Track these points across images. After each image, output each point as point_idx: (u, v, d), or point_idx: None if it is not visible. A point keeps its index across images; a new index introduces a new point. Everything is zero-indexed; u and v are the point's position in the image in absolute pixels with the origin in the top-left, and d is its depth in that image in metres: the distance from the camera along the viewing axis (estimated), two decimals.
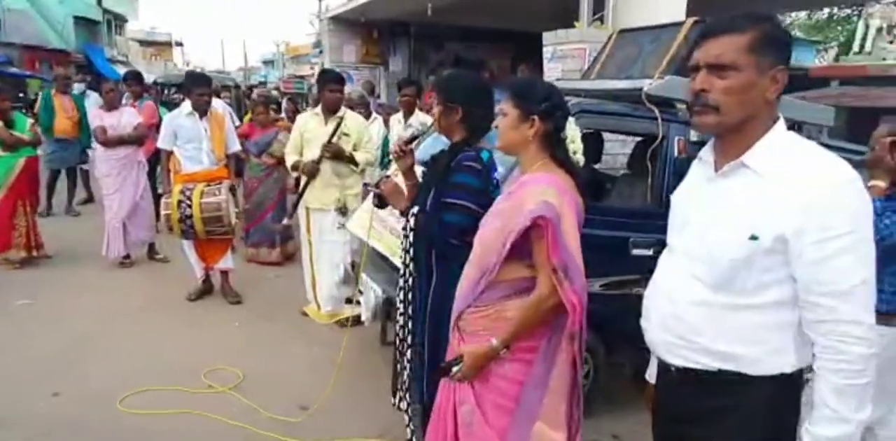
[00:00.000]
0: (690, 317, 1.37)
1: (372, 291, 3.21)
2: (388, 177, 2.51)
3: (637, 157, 3.55)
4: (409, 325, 2.43)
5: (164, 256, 5.54)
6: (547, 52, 5.09)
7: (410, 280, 2.35)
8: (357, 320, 4.19)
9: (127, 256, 5.35)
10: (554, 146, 1.84)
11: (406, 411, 2.62)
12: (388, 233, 3.39)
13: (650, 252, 2.98)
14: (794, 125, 3.58)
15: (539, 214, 1.65)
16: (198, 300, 4.59)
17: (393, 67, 10.84)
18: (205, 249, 4.49)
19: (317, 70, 17.19)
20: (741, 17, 1.32)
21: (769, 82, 1.29)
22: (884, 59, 11.13)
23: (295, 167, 4.24)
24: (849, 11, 15.04)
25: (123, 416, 2.98)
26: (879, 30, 11.49)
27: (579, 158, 1.91)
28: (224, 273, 4.65)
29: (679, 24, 3.56)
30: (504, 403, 1.76)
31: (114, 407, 3.04)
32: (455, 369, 1.79)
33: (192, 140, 4.40)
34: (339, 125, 4.08)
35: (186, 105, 4.53)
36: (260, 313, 4.40)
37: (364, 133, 4.23)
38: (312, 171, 4.15)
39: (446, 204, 2.20)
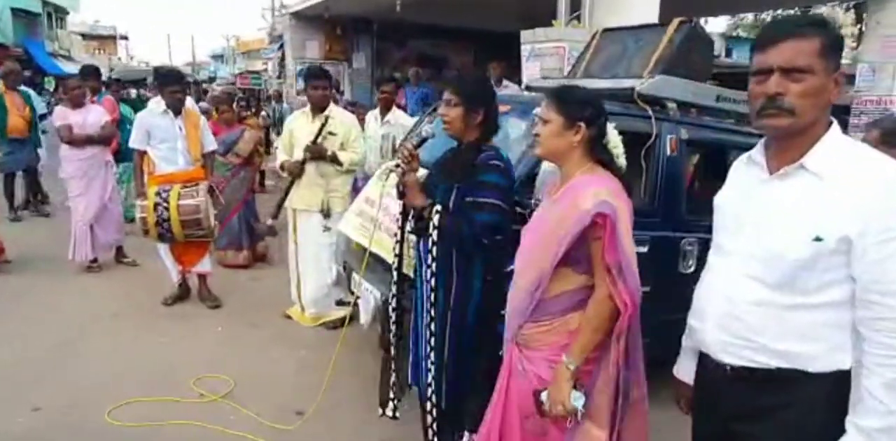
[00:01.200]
0: (750, 316, 1.39)
1: (370, 294, 3.16)
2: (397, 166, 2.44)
3: (628, 155, 3.59)
4: (424, 324, 2.39)
5: (133, 260, 5.33)
6: (525, 50, 5.10)
7: (432, 280, 2.31)
8: (344, 322, 4.16)
9: (94, 260, 5.12)
10: (598, 151, 1.85)
11: (395, 416, 2.63)
12: (383, 233, 3.34)
13: (645, 249, 3.03)
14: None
15: (599, 211, 1.66)
16: (174, 305, 4.43)
17: (356, 64, 10.71)
18: (182, 252, 4.34)
19: (270, 66, 16.82)
20: (804, 22, 1.35)
21: (833, 85, 1.32)
22: None
23: (281, 167, 4.14)
24: (792, 12, 15.68)
25: (113, 430, 2.85)
26: None
27: (622, 163, 1.92)
28: (201, 277, 4.51)
29: (664, 25, 3.61)
30: None
31: (102, 420, 2.90)
32: (543, 400, 1.76)
33: (167, 140, 4.24)
34: (323, 125, 4.00)
35: (158, 103, 4.37)
36: (242, 317, 4.28)
37: (351, 132, 4.12)
38: (296, 172, 4.06)
39: (476, 203, 2.19)
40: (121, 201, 5.65)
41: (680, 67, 3.38)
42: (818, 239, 1.29)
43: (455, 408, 2.37)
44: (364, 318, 3.11)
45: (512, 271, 2.37)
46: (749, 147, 3.56)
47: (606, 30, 4.02)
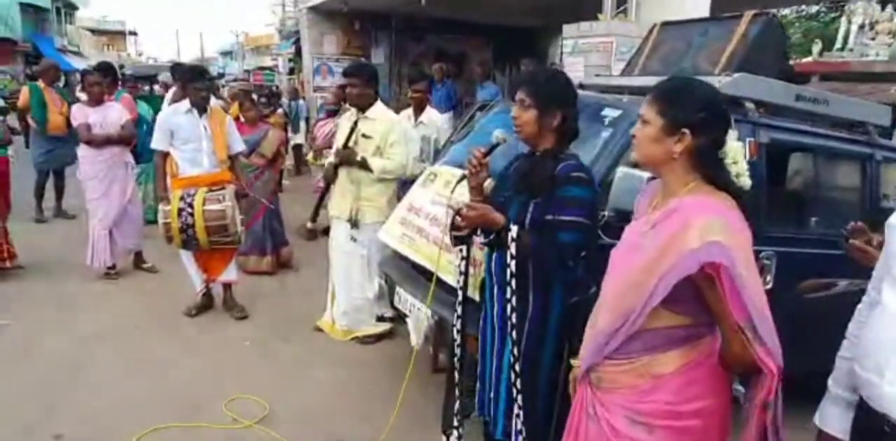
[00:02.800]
0: None
1: (422, 312, 2.88)
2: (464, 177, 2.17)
3: None
4: (497, 349, 2.15)
5: (153, 266, 5.08)
6: (567, 45, 4.82)
7: (513, 301, 2.04)
8: (379, 338, 3.90)
9: (112, 267, 4.86)
10: (710, 166, 1.50)
11: None
12: (424, 240, 3.07)
13: None
14: (851, 125, 3.41)
15: (710, 260, 1.33)
16: (198, 316, 4.17)
17: (375, 60, 10.41)
18: (206, 260, 4.08)
19: (280, 61, 16.52)
20: None
21: None
22: (864, 55, 11.29)
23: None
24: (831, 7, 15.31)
25: None
26: (861, 26, 11.64)
27: (744, 182, 1.59)
28: (227, 286, 4.25)
29: (736, 18, 3.32)
30: None
31: None
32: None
33: (191, 140, 3.97)
34: (354, 127, 3.72)
35: (181, 101, 4.11)
36: (270, 330, 4.02)
37: (389, 135, 3.75)
38: (328, 176, 3.81)
39: (560, 221, 1.92)
40: (140, 204, 5.38)
41: (755, 64, 3.10)
42: None
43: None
44: (415, 338, 2.84)
45: (595, 293, 2.12)
46: (834, 152, 3.20)
47: (666, 23, 3.73)
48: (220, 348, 3.73)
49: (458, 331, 2.32)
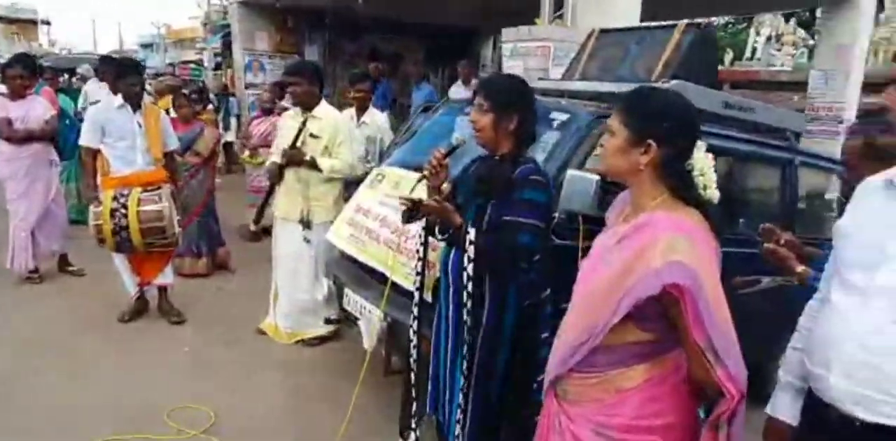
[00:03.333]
0: (895, 367, 1.22)
1: (373, 314, 2.87)
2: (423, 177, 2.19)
3: None
4: (451, 347, 2.17)
5: (79, 268, 4.82)
6: (506, 49, 4.90)
7: (468, 304, 2.08)
8: (323, 340, 3.85)
9: (35, 270, 4.58)
10: (676, 178, 1.46)
11: None
12: (374, 241, 3.07)
13: None
14: (768, 130, 3.63)
15: (672, 281, 1.31)
16: (132, 321, 4.00)
17: (309, 57, 10.17)
18: (141, 263, 3.91)
19: (206, 56, 15.97)
20: None
21: None
22: (771, 64, 12.08)
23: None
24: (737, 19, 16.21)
25: None
26: (768, 38, 12.44)
27: (712, 195, 1.53)
28: (162, 289, 4.09)
29: (670, 27, 3.49)
30: None
31: None
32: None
33: (125, 137, 3.79)
34: (302, 126, 3.67)
35: (105, 95, 3.93)
36: (211, 334, 3.90)
37: (338, 135, 3.74)
38: (274, 177, 3.73)
39: (517, 223, 1.97)
40: (64, 203, 5.09)
41: (689, 72, 3.26)
42: None
43: None
44: (367, 340, 2.83)
45: (549, 296, 2.17)
46: (758, 157, 3.32)
47: (603, 30, 3.87)
48: (158, 355, 3.58)
49: (414, 332, 2.34)
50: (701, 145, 1.52)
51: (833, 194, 3.78)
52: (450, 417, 2.19)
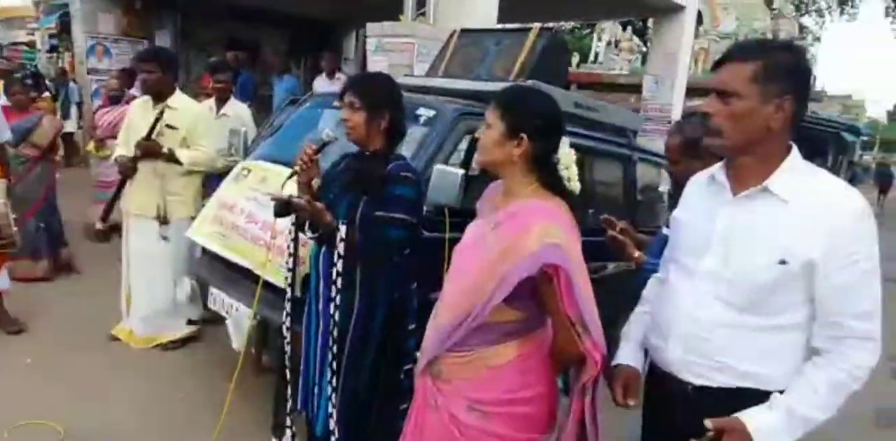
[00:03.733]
0: (717, 338, 1.41)
1: (242, 313, 2.80)
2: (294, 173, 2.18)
3: None
4: (320, 345, 2.19)
5: None
6: (371, 43, 4.94)
7: (337, 300, 2.11)
8: (184, 342, 3.69)
9: None
10: (545, 170, 1.62)
11: None
12: (241, 238, 2.99)
13: None
14: (611, 128, 3.99)
15: (549, 262, 1.46)
16: None
17: (160, 43, 9.52)
18: None
19: (39, 37, 14.43)
20: (754, 45, 1.39)
21: (773, 110, 1.34)
22: (612, 68, 13.14)
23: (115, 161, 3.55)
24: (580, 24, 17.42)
25: None
26: (608, 44, 13.50)
27: (575, 186, 1.68)
28: None
29: (525, 30, 3.72)
30: None
31: None
32: None
33: None
34: (159, 116, 3.47)
35: None
36: (55, 344, 3.58)
37: (198, 125, 3.60)
38: (127, 171, 3.50)
39: (388, 218, 2.03)
40: None
41: (542, 72, 3.50)
42: (783, 262, 1.33)
43: (355, 435, 2.19)
44: (237, 340, 2.76)
45: (416, 288, 2.26)
46: (604, 153, 3.62)
47: (464, 30, 4.02)
48: None
49: (287, 328, 2.33)
50: (565, 141, 1.69)
51: (665, 187, 4.23)
52: (319, 412, 2.21)
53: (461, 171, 2.54)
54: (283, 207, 2.18)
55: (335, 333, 2.12)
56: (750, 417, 1.35)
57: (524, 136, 1.58)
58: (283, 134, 3.46)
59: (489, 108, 1.66)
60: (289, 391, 2.33)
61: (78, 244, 5.13)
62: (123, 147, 3.58)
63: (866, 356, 1.35)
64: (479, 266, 1.57)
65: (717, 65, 1.40)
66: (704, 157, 1.98)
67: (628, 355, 1.64)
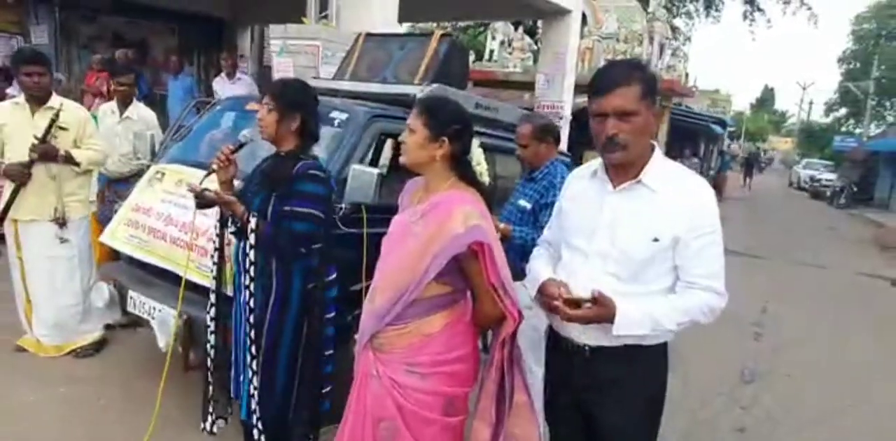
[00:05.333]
0: None
1: (165, 313, 2.84)
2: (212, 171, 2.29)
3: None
4: (244, 332, 2.31)
5: None
6: (275, 45, 4.98)
7: (251, 285, 2.26)
8: (97, 348, 3.64)
9: None
10: (461, 166, 1.89)
11: (212, 432, 2.51)
12: (160, 240, 3.03)
13: None
14: (508, 126, 4.30)
15: (475, 240, 1.73)
16: None
17: (37, 39, 8.91)
18: None
19: None
20: (625, 71, 1.65)
21: (654, 118, 1.68)
22: (506, 66, 13.66)
23: None
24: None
25: None
26: (502, 43, 14.01)
27: (485, 179, 1.97)
28: None
29: (427, 36, 3.95)
30: (428, 415, 1.84)
31: None
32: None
33: None
34: (54, 119, 3.39)
35: None
36: None
37: (86, 126, 3.57)
38: (21, 177, 3.38)
39: (295, 212, 2.20)
40: None
41: (444, 76, 3.75)
42: (656, 240, 1.67)
43: (278, 420, 2.34)
44: (163, 340, 2.80)
45: (334, 279, 2.43)
46: (501, 150, 3.99)
47: (369, 34, 4.20)
48: None
49: (212, 321, 2.43)
50: (476, 142, 1.96)
51: None
52: (243, 398, 2.34)
53: (376, 171, 2.73)
54: (199, 199, 2.29)
55: (251, 321, 2.26)
56: (620, 305, 1.65)
57: (445, 139, 1.84)
58: (195, 137, 3.50)
59: (412, 114, 1.90)
60: (211, 384, 2.45)
61: None
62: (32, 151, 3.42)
63: (714, 301, 1.71)
64: (409, 250, 1.81)
65: (601, 92, 1.64)
66: (548, 141, 2.88)
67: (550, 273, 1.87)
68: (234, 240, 2.42)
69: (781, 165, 46.38)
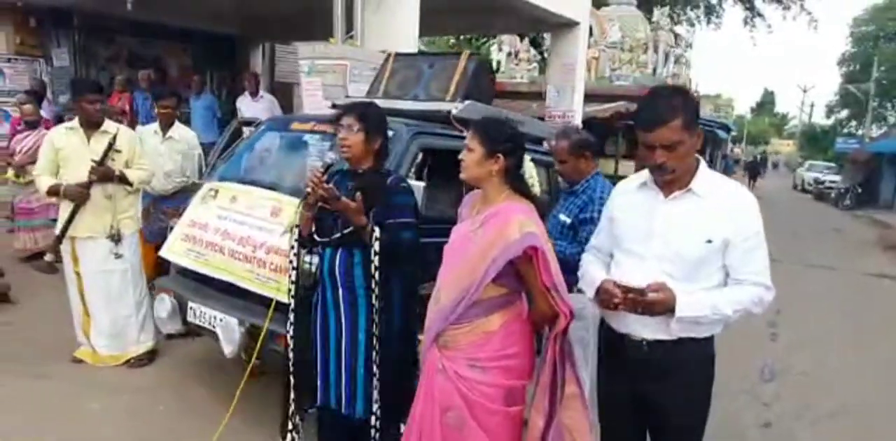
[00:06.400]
0: None
1: (227, 323, 3.02)
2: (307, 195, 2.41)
3: (453, 171, 3.81)
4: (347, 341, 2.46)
5: None
6: (304, 65, 5.19)
7: (360, 301, 2.42)
8: (151, 357, 3.82)
9: None
10: (515, 179, 2.09)
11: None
12: (218, 253, 3.21)
13: None
14: (533, 139, 4.50)
15: (530, 245, 1.93)
16: None
17: (58, 62, 9.16)
18: None
19: None
20: (669, 103, 1.81)
21: (696, 141, 1.87)
22: (513, 77, 13.89)
23: (53, 191, 3.61)
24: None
25: None
26: (509, 54, 14.25)
27: (537, 191, 2.18)
28: None
29: (455, 54, 4.16)
30: (490, 406, 2.04)
31: None
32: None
33: None
34: (112, 143, 3.62)
35: None
36: (14, 371, 3.59)
37: (135, 148, 3.83)
38: (81, 197, 3.59)
39: (399, 223, 2.37)
40: None
41: (473, 92, 3.95)
42: (709, 241, 1.86)
43: (395, 413, 2.47)
44: (229, 348, 2.98)
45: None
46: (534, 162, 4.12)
47: (399, 54, 4.41)
48: None
49: (291, 328, 2.57)
50: (528, 157, 2.16)
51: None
52: (353, 400, 2.45)
53: (422, 184, 2.93)
54: (328, 204, 2.37)
55: (364, 325, 2.40)
56: (678, 291, 1.82)
57: (500, 156, 2.06)
58: (245, 156, 3.70)
59: (468, 135, 2.11)
60: (292, 394, 2.59)
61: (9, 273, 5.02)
62: (47, 176, 3.64)
63: (764, 293, 1.91)
64: (470, 256, 2.02)
65: (648, 128, 1.82)
66: (586, 156, 3.01)
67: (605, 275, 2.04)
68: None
69: (785, 168, 46.47)
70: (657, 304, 1.82)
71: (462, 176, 2.13)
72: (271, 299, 2.79)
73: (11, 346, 3.95)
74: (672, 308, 1.82)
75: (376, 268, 2.37)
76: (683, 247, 1.89)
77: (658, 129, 1.81)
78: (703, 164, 1.95)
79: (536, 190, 2.17)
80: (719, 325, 1.97)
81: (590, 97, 10.10)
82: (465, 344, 2.06)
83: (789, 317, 6.25)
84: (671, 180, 1.91)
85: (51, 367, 3.69)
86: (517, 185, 2.11)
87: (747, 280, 1.90)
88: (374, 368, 2.41)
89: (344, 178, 2.56)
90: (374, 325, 2.41)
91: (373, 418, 2.43)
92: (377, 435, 2.43)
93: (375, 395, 2.42)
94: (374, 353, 2.42)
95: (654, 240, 1.94)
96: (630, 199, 2.06)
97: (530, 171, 2.17)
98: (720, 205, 1.88)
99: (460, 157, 2.13)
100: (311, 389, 2.56)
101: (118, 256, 3.73)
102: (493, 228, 2.00)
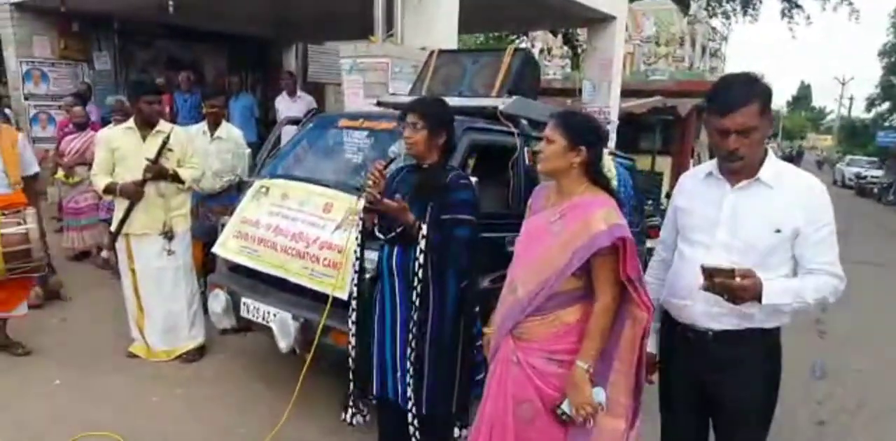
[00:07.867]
0: None
1: (281, 317, 3.05)
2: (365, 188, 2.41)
3: (500, 166, 3.70)
4: (401, 337, 2.47)
5: None
6: (345, 64, 5.23)
7: (419, 289, 2.41)
8: (202, 352, 3.89)
9: None
10: (595, 172, 2.03)
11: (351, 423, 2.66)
12: (270, 250, 3.25)
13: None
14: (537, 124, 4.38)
15: (620, 236, 1.87)
16: None
17: (100, 66, 9.39)
18: None
19: None
20: (746, 88, 1.79)
21: (769, 129, 1.84)
22: (546, 74, 13.79)
23: (109, 190, 3.70)
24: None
25: None
26: (542, 51, 14.16)
27: (614, 185, 2.12)
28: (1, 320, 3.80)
29: (499, 50, 4.14)
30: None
31: None
32: (565, 410, 1.90)
33: None
34: (165, 142, 3.69)
35: None
36: (77, 365, 3.70)
37: (188, 147, 3.90)
38: (136, 195, 3.67)
39: (456, 220, 2.36)
40: None
41: (518, 88, 3.93)
42: (778, 231, 1.83)
43: (442, 409, 2.49)
44: (283, 342, 3.01)
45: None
46: None
47: (442, 51, 4.41)
48: (26, 393, 3.36)
49: (353, 322, 2.60)
50: (606, 151, 2.11)
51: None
52: (404, 391, 2.47)
53: (475, 179, 2.91)
54: (372, 205, 2.38)
55: (417, 319, 2.39)
56: (762, 278, 1.77)
57: (583, 148, 2.00)
58: (298, 152, 3.74)
59: (549, 126, 2.05)
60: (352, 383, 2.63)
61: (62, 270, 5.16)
62: (103, 175, 3.73)
63: (838, 283, 1.87)
64: (549, 247, 1.98)
65: (724, 112, 1.79)
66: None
67: (651, 344, 2.04)
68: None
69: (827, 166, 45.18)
70: (748, 289, 1.76)
71: (539, 168, 2.09)
72: (324, 294, 2.81)
73: (68, 341, 4.07)
74: (759, 295, 1.77)
75: (420, 265, 2.37)
76: (751, 236, 1.86)
77: (735, 112, 1.77)
78: (771, 153, 1.91)
79: (614, 184, 2.12)
80: (788, 316, 1.93)
81: (624, 92, 9.97)
82: (543, 335, 2.00)
83: (837, 314, 6.08)
84: (739, 169, 1.87)
85: (107, 361, 3.78)
86: (596, 177, 2.05)
87: (822, 270, 1.85)
88: (426, 363, 2.42)
89: (410, 173, 2.57)
90: (429, 321, 2.41)
91: (411, 412, 2.43)
92: (417, 428, 2.45)
93: (424, 388, 2.43)
94: (426, 348, 2.42)
95: (719, 229, 1.91)
96: (696, 189, 2.03)
97: (609, 164, 2.13)
98: (789, 194, 1.84)
99: (536, 148, 2.09)
100: (370, 379, 2.58)
101: (171, 253, 3.80)
102: (575, 220, 1.95)
